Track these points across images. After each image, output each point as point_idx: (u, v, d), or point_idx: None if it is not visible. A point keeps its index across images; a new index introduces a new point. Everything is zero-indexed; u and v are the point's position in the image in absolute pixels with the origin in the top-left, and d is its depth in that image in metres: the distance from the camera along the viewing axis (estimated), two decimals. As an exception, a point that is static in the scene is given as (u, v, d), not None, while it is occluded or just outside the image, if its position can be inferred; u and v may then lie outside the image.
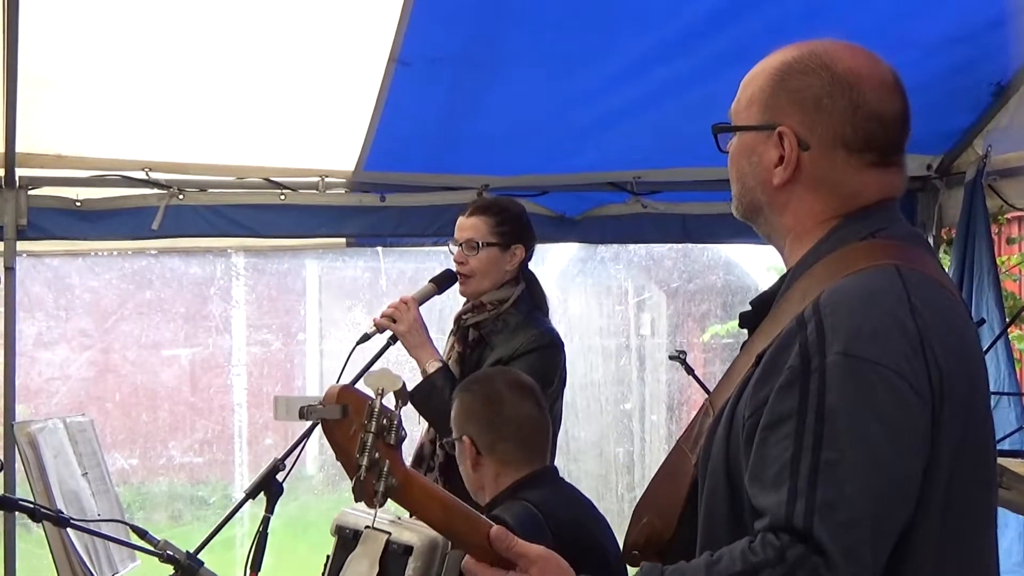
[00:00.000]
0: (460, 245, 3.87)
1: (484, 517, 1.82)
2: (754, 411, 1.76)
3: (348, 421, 1.68)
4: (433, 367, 3.75)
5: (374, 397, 1.70)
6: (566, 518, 2.93)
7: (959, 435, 1.75)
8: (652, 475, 2.04)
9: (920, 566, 1.73)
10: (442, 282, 3.91)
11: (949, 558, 1.76)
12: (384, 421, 1.69)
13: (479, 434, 3.09)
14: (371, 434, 1.68)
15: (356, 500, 1.71)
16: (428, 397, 3.71)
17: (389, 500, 1.73)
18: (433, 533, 2.86)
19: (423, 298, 3.87)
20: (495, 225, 3.86)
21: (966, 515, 1.78)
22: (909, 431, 1.70)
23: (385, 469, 1.69)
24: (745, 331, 1.99)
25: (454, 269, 3.90)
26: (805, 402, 1.69)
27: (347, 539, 3.06)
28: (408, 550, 2.87)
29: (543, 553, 1.79)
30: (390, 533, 2.94)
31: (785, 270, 1.97)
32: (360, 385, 1.77)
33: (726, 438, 1.82)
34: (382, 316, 3.82)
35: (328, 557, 3.12)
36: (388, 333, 3.81)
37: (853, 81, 1.88)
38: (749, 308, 1.98)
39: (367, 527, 2.99)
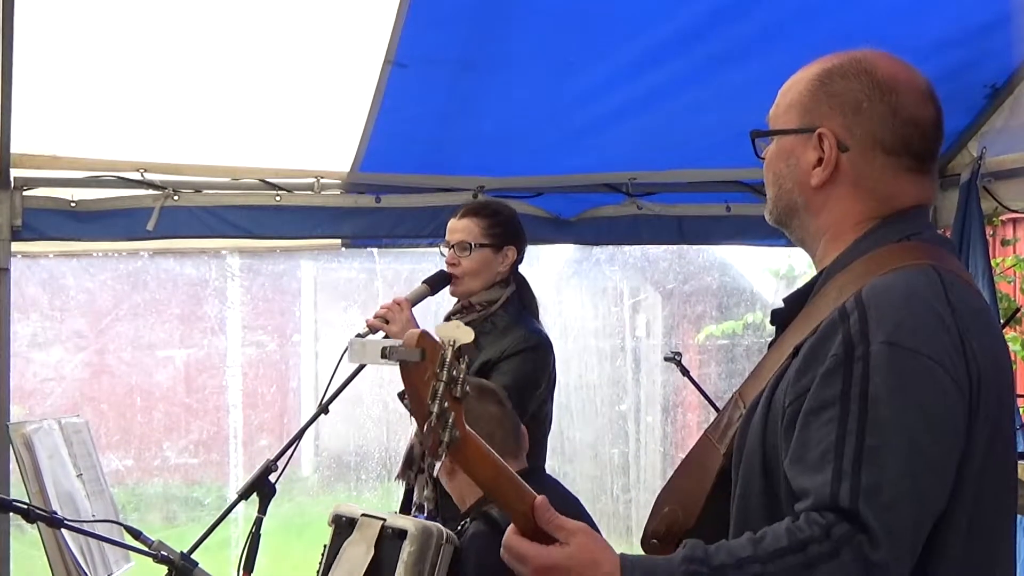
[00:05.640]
0: (452, 247, 3.88)
1: (528, 487, 1.82)
2: (796, 398, 1.80)
3: (424, 366, 1.70)
4: None
5: (447, 347, 1.70)
6: None
7: (991, 432, 1.80)
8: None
9: (951, 556, 1.78)
10: (435, 283, 3.92)
11: (978, 550, 1.80)
12: (454, 372, 1.70)
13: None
14: (442, 383, 1.69)
15: (423, 447, 1.72)
16: None
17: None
18: (428, 523, 2.90)
19: (416, 299, 3.87)
20: (487, 227, 3.87)
21: (994, 511, 1.83)
22: (948, 421, 1.75)
23: (451, 420, 1.70)
24: (761, 335, 2.02)
25: (446, 271, 3.91)
26: (849, 388, 1.74)
27: (343, 527, 3.08)
28: (403, 534, 2.89)
29: (583, 527, 1.81)
30: (385, 519, 2.97)
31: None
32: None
33: (763, 425, 1.86)
34: (375, 317, 3.82)
35: (325, 547, 3.13)
36: (381, 334, 3.82)
37: (892, 86, 1.94)
38: (782, 305, 2.02)
39: (363, 514, 3.01)
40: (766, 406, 1.87)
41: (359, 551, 2.96)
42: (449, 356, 1.70)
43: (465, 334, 1.72)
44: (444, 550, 2.86)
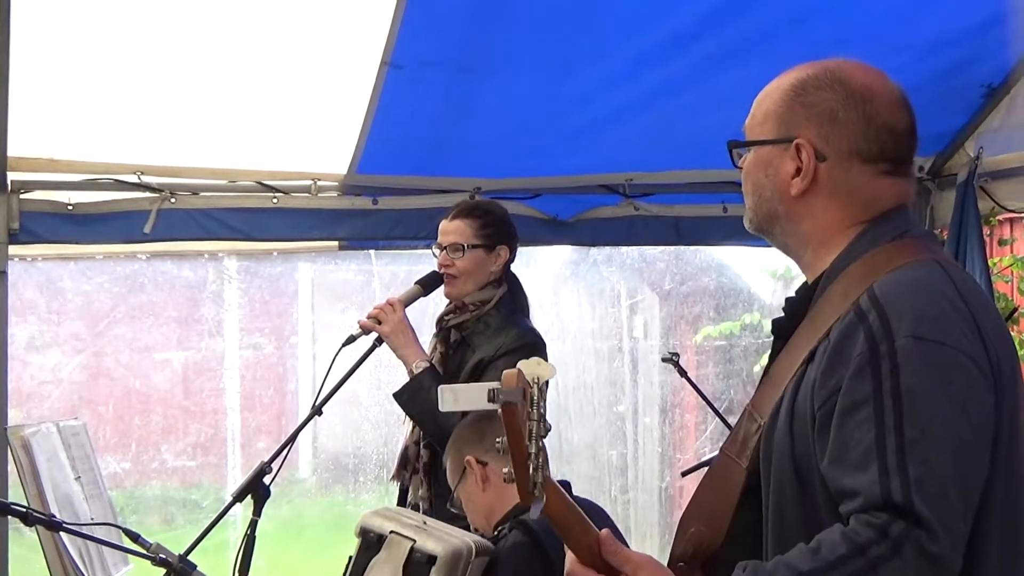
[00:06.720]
0: (444, 248, 3.89)
1: (589, 520, 1.84)
2: (824, 400, 1.82)
3: (522, 406, 1.70)
4: (420, 367, 3.77)
5: (532, 385, 1.70)
6: None
7: (1012, 414, 1.85)
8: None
9: (990, 540, 1.80)
10: (428, 284, 3.93)
11: (1011, 534, 1.84)
12: (541, 410, 1.71)
13: (482, 448, 3.07)
14: (535, 422, 1.69)
15: (523, 489, 1.69)
16: (415, 397, 3.73)
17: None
18: (457, 543, 2.84)
19: (409, 299, 3.89)
20: (479, 227, 3.89)
21: (1021, 491, 1.86)
22: (978, 406, 1.79)
23: (541, 461, 1.71)
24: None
25: (439, 271, 3.92)
26: (880, 385, 1.76)
27: (371, 542, 3.04)
28: (432, 559, 2.85)
29: (649, 559, 1.84)
30: (415, 540, 2.92)
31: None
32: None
33: (788, 434, 1.87)
34: (367, 318, 3.84)
35: (350, 558, 3.11)
36: (374, 335, 3.83)
37: (867, 95, 1.98)
38: (782, 314, 2.05)
39: (392, 531, 2.97)
40: (789, 414, 1.87)
41: (385, 573, 2.93)
42: (536, 394, 1.70)
43: (547, 371, 1.73)
44: (473, 566, 2.84)
